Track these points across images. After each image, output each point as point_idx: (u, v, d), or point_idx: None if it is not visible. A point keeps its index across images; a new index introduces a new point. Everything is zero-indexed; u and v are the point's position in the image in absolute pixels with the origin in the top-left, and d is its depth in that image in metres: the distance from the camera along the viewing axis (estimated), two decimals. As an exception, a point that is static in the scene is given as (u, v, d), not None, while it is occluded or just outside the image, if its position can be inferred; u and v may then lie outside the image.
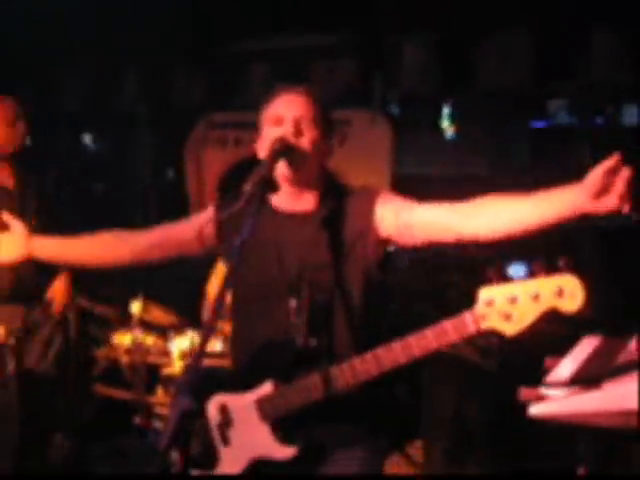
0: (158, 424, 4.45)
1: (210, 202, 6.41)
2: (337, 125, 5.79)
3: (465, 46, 5.35)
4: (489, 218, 2.22)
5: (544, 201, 2.11)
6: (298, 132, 2.39)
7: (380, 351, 2.22)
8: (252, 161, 6.63)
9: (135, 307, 4.30)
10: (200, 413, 2.45)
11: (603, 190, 1.99)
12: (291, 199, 2.48)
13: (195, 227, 2.64)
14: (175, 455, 1.94)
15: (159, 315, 4.40)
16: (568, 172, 2.12)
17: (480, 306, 2.12)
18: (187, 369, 2.12)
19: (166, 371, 4.34)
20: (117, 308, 4.57)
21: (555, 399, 2.23)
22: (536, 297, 2.07)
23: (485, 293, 2.12)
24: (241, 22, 5.71)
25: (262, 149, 2.48)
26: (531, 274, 2.11)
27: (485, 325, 2.12)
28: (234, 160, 6.10)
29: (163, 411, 4.49)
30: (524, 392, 2.74)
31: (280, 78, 5.96)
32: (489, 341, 4.80)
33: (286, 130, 2.39)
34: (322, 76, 5.73)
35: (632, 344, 2.66)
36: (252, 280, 2.45)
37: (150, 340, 4.28)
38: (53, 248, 2.82)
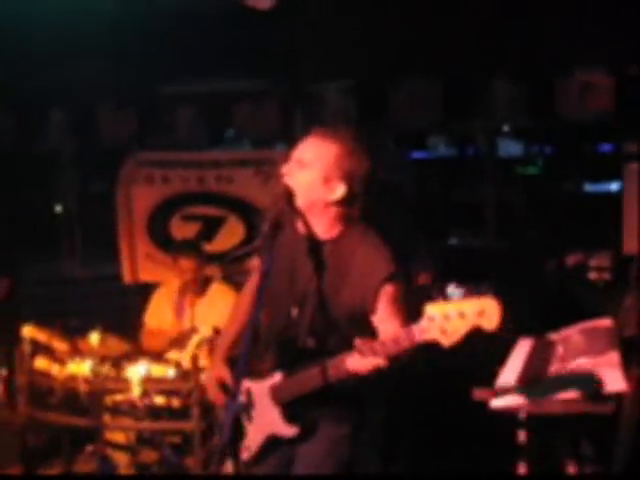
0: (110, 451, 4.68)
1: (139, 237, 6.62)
2: (262, 164, 6.18)
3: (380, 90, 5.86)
4: None
5: None
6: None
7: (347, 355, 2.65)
8: (179, 198, 6.84)
9: (94, 338, 4.53)
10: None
11: None
12: (307, 225, 2.85)
13: None
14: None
15: (114, 345, 4.63)
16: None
17: (424, 321, 2.50)
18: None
19: (116, 398, 4.59)
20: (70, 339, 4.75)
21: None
22: (462, 316, 2.45)
23: (429, 310, 2.49)
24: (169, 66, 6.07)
25: None
26: (464, 295, 2.48)
27: (427, 336, 2.50)
28: (161, 197, 6.39)
29: (114, 437, 4.72)
30: (478, 392, 3.24)
31: (205, 119, 6.31)
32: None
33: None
34: (246, 117, 6.10)
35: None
36: (271, 290, 2.80)
37: (106, 369, 4.50)
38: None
